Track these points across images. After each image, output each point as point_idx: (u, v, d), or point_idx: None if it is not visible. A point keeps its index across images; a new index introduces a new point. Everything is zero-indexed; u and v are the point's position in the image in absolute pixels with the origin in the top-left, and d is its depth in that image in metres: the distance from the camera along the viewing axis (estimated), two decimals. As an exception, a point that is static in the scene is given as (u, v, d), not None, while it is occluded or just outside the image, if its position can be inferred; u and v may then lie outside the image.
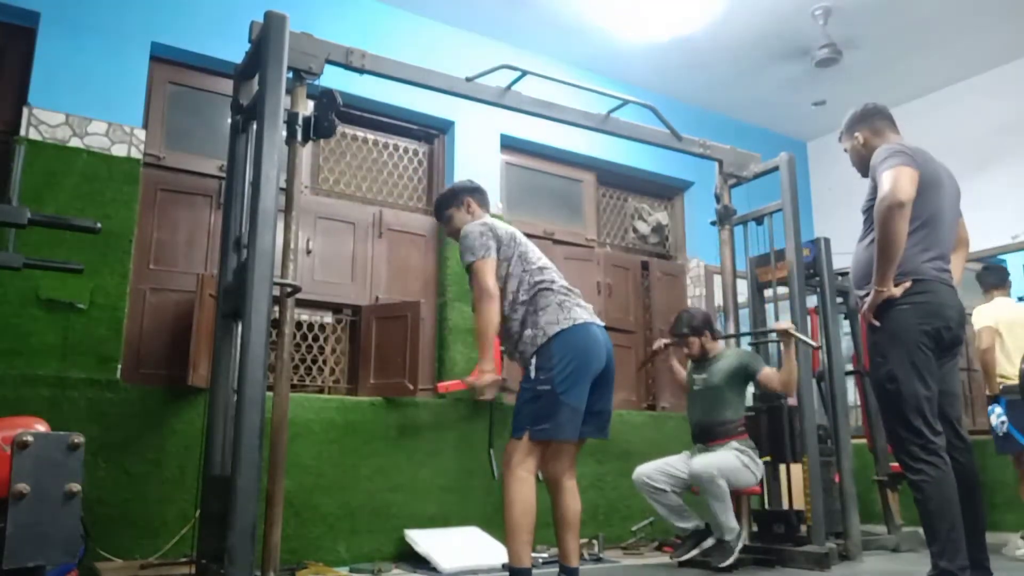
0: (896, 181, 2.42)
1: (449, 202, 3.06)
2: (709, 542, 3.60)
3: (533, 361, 2.65)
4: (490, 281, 2.73)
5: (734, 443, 3.70)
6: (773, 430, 3.96)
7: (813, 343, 3.96)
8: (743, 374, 3.79)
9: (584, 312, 2.74)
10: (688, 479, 3.66)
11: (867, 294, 2.60)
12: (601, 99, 4.00)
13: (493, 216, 4.99)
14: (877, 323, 2.55)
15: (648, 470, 3.75)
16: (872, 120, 2.80)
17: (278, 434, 2.79)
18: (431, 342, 4.48)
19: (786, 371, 3.67)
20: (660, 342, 4.16)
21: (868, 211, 2.65)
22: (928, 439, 2.41)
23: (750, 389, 3.98)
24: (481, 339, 2.72)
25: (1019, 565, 3.72)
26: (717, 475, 3.48)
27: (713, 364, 3.85)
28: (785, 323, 3.74)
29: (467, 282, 4.43)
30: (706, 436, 3.79)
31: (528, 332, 2.70)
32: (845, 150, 2.93)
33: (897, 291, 2.50)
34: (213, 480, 2.77)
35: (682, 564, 3.64)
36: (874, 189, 2.58)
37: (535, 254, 2.88)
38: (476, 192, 3.08)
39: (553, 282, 2.78)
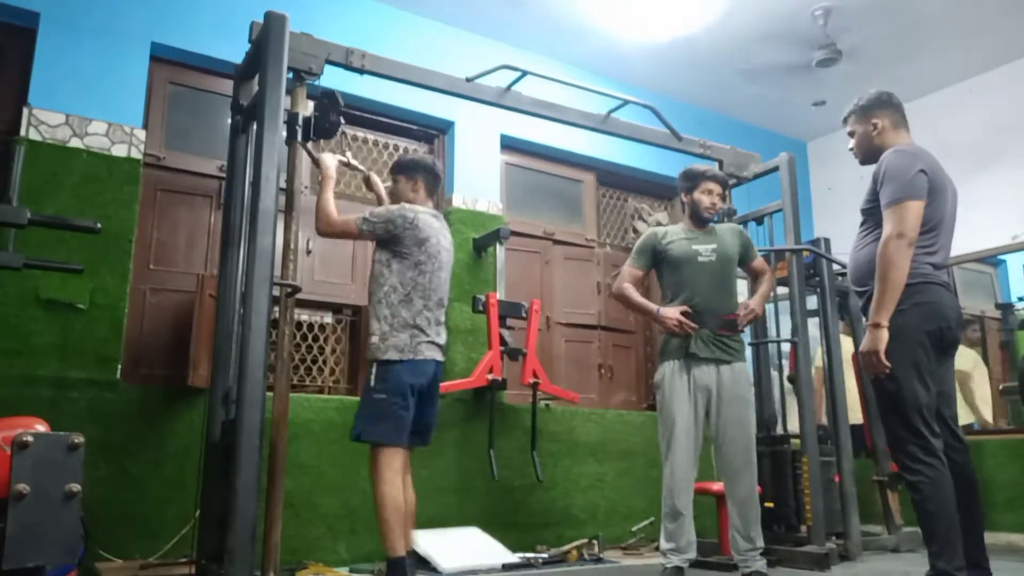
0: (907, 221, 2.44)
1: (405, 168, 3.16)
2: None
3: (374, 371, 2.85)
4: (337, 221, 2.95)
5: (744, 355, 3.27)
6: (777, 476, 3.89)
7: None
8: (742, 253, 3.41)
9: (432, 349, 2.92)
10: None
11: (865, 292, 2.61)
12: (601, 99, 4.00)
13: (492, 216, 4.97)
14: (888, 366, 2.44)
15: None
16: (895, 110, 2.73)
17: (278, 434, 2.79)
18: (431, 342, 4.47)
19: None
20: None
21: (867, 211, 2.66)
22: (927, 440, 2.41)
23: None
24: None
25: (1020, 565, 3.72)
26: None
27: (716, 231, 3.39)
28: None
29: (465, 282, 4.48)
30: (715, 322, 3.20)
31: (375, 337, 2.88)
32: (850, 133, 2.81)
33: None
34: (213, 480, 2.77)
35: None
36: (874, 192, 2.58)
37: (433, 276, 2.96)
38: (432, 176, 3.15)
39: (421, 313, 2.90)
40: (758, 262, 3.52)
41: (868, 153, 2.76)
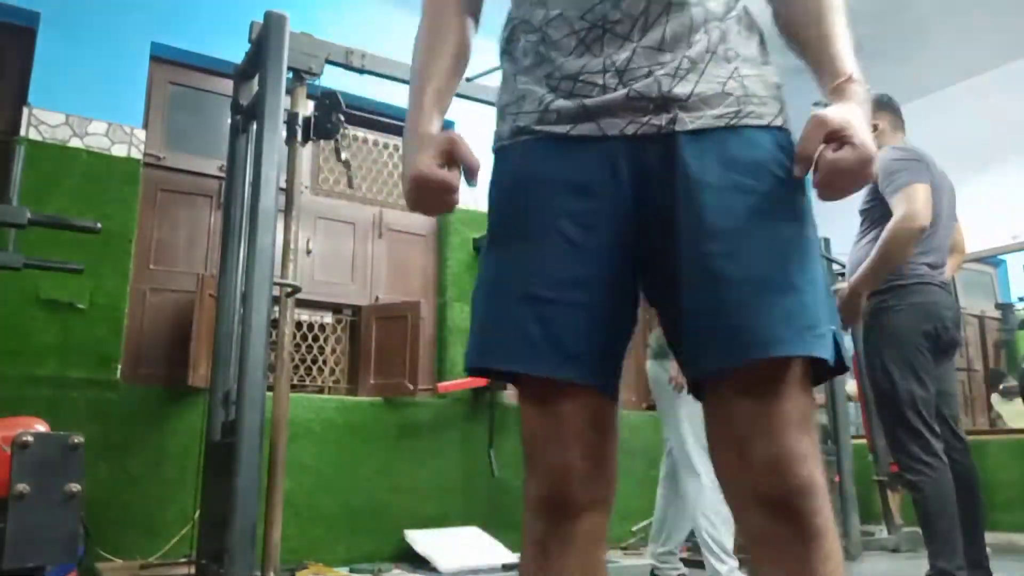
0: (916, 202, 2.40)
1: None
2: None
3: None
4: None
5: None
6: None
7: None
8: None
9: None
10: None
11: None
12: (601, 99, 4.00)
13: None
14: (851, 322, 2.56)
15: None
16: (894, 113, 2.73)
17: (278, 434, 2.79)
18: (431, 342, 4.47)
19: None
20: None
21: (864, 212, 2.65)
22: (926, 440, 2.41)
23: None
24: None
25: (1020, 565, 3.72)
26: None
27: None
28: None
29: (465, 282, 4.47)
30: None
31: None
32: None
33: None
34: (213, 480, 2.77)
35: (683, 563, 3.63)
36: (874, 191, 2.58)
37: None
38: None
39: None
40: None
41: None
